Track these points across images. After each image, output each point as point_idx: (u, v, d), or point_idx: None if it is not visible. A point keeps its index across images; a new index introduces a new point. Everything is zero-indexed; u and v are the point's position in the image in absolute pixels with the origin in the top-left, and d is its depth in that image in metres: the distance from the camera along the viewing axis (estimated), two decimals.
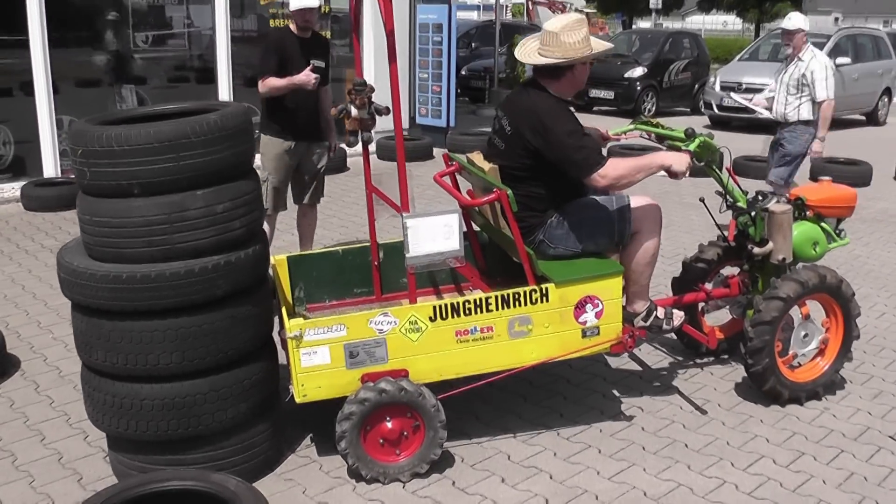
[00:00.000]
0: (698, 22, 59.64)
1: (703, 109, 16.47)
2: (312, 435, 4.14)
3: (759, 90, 14.99)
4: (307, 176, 6.26)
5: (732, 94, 11.88)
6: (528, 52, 3.97)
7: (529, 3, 38.04)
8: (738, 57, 17.60)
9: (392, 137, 5.80)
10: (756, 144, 13.35)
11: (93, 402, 3.62)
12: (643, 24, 47.12)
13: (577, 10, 41.39)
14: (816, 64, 7.15)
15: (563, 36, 3.85)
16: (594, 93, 17.94)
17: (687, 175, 3.93)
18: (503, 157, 3.98)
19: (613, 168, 3.81)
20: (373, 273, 4.57)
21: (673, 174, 3.92)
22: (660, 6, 36.07)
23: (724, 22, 58.59)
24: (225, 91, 10.66)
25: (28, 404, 4.55)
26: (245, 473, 3.66)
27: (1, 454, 4.05)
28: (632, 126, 4.54)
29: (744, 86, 15.26)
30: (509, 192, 3.72)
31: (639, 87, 17.53)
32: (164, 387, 3.45)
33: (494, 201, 3.84)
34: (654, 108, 17.79)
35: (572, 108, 4.00)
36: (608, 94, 17.75)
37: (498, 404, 4.46)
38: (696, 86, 18.19)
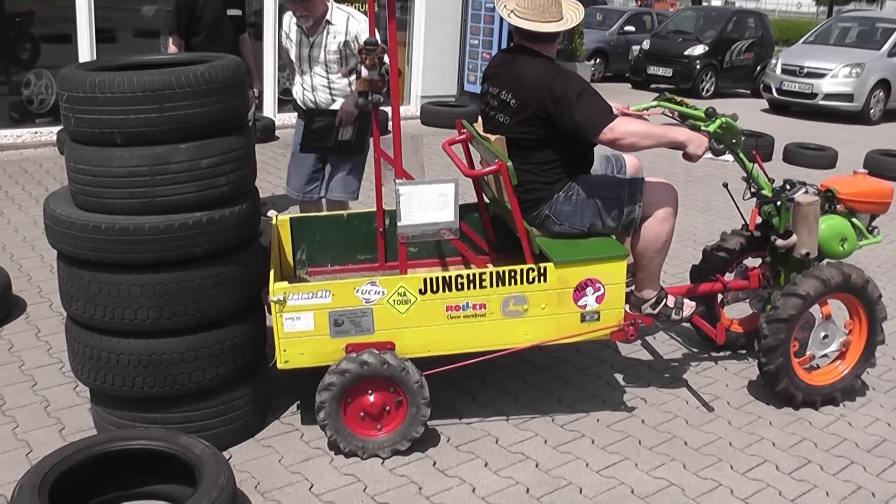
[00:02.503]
0: (773, 2, 58.04)
1: (762, 92, 15.94)
2: (300, 402, 4.03)
3: (822, 75, 14.55)
4: None
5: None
6: (529, 21, 3.75)
7: None
8: (802, 39, 16.99)
9: (436, 102, 5.73)
10: (815, 132, 12.89)
11: (73, 353, 3.56)
12: (715, 1, 45.95)
13: None
14: (358, 25, 5.06)
15: None
16: (652, 70, 17.58)
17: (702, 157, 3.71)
18: (508, 130, 3.79)
19: (621, 123, 3.61)
20: (377, 240, 4.43)
21: (687, 156, 3.70)
22: None
23: (799, 3, 56.86)
24: (270, 46, 10.59)
25: (26, 348, 4.53)
26: (223, 437, 3.59)
27: None
28: (654, 103, 4.30)
29: (805, 70, 14.75)
30: (509, 164, 3.53)
31: (698, 66, 17.05)
32: (141, 343, 3.37)
33: (497, 173, 3.66)
34: (712, 89, 17.31)
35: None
36: (666, 72, 17.33)
37: (495, 384, 4.31)
38: (759, 67, 17.63)
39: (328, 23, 5.05)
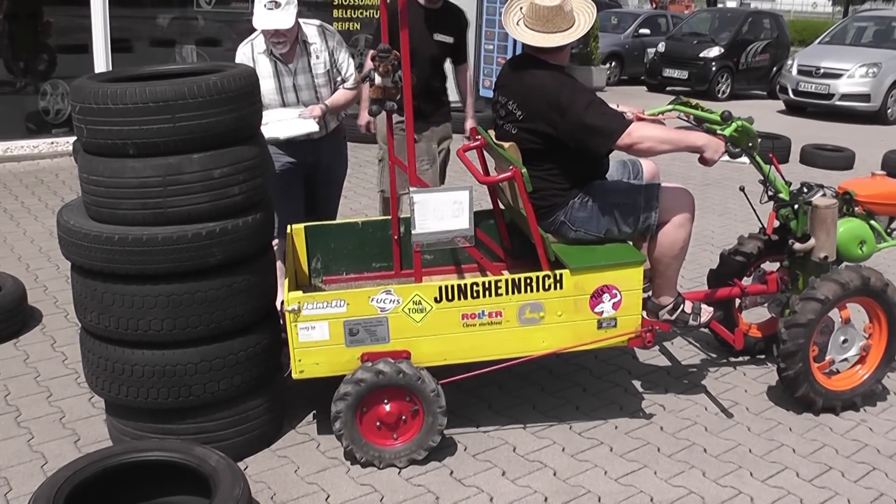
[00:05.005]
0: (788, 2, 57.79)
1: (778, 93, 15.85)
2: (315, 412, 4.02)
3: (838, 76, 14.43)
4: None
5: None
6: (534, 33, 3.71)
7: None
8: (818, 40, 16.87)
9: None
10: (832, 132, 12.79)
11: (88, 364, 3.56)
12: (730, 3, 45.75)
13: None
14: (334, 36, 4.70)
15: (568, 5, 3.67)
16: (668, 72, 17.52)
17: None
18: (515, 139, 3.76)
19: (639, 128, 3.59)
20: (393, 248, 4.41)
21: (704, 160, 3.66)
22: None
23: (814, 3, 56.58)
24: None
25: (41, 359, 4.55)
26: (238, 448, 3.58)
27: (6, 408, 4.04)
28: (669, 107, 4.27)
29: (822, 70, 14.64)
30: (524, 170, 3.51)
31: (714, 68, 16.96)
32: (155, 353, 3.37)
33: (512, 180, 3.63)
34: (728, 90, 17.23)
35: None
36: (682, 74, 17.25)
37: (512, 392, 4.27)
38: (775, 69, 17.52)
39: (306, 43, 4.58)
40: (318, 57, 4.61)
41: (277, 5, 4.29)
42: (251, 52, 4.57)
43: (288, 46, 4.48)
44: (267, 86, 4.51)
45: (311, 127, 4.42)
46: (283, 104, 4.60)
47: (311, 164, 4.76)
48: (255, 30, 4.57)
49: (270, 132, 4.22)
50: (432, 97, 5.39)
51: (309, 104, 4.62)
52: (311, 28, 4.62)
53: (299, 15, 4.44)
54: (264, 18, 4.32)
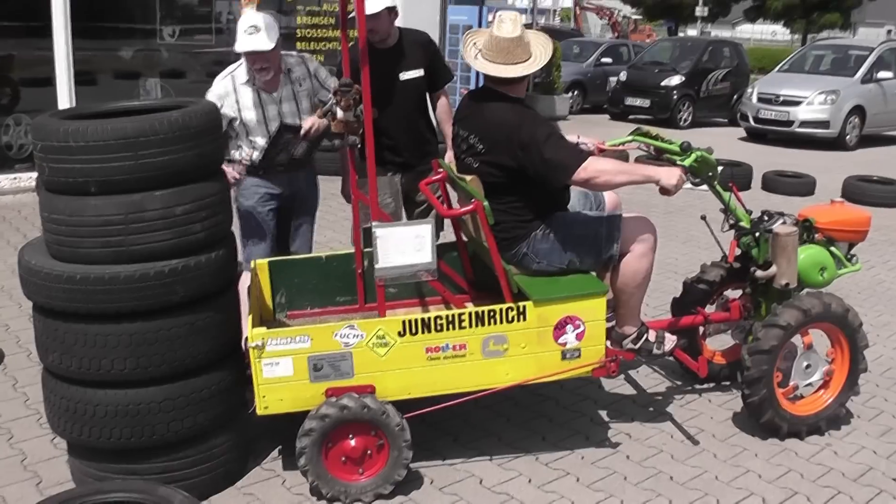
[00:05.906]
0: (748, 31, 58.89)
1: (739, 121, 16.11)
2: (281, 448, 3.99)
3: (798, 103, 14.69)
4: (419, 207, 5.13)
5: None
6: (495, 65, 3.75)
7: (577, 8, 37.86)
8: (777, 68, 17.18)
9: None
10: (792, 159, 13.00)
11: (50, 405, 3.51)
12: (690, 31, 46.51)
13: (623, 16, 41.18)
14: (312, 63, 4.76)
15: (526, 37, 3.73)
16: (630, 101, 17.73)
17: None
18: (476, 173, 3.79)
19: (594, 162, 3.62)
20: (357, 281, 4.41)
21: (664, 190, 3.71)
22: (705, 14, 35.57)
23: (773, 32, 57.70)
24: None
25: (3, 400, 4.47)
26: (203, 486, 3.54)
27: None
28: (629, 137, 4.32)
29: (781, 98, 14.91)
30: (485, 203, 3.54)
31: (675, 96, 17.20)
32: (118, 393, 3.33)
33: (474, 213, 3.66)
34: (690, 118, 17.46)
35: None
36: (644, 103, 17.47)
37: (478, 424, 4.27)
38: (735, 96, 17.82)
39: (290, 72, 4.60)
40: (301, 85, 4.65)
41: (257, 29, 4.32)
42: (232, 84, 4.56)
43: (272, 73, 4.49)
44: (251, 116, 4.55)
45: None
46: (268, 133, 4.54)
47: (286, 195, 4.76)
48: (222, 63, 4.56)
49: None
50: (419, 142, 5.03)
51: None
52: (291, 59, 4.68)
53: None
54: (246, 42, 4.33)
